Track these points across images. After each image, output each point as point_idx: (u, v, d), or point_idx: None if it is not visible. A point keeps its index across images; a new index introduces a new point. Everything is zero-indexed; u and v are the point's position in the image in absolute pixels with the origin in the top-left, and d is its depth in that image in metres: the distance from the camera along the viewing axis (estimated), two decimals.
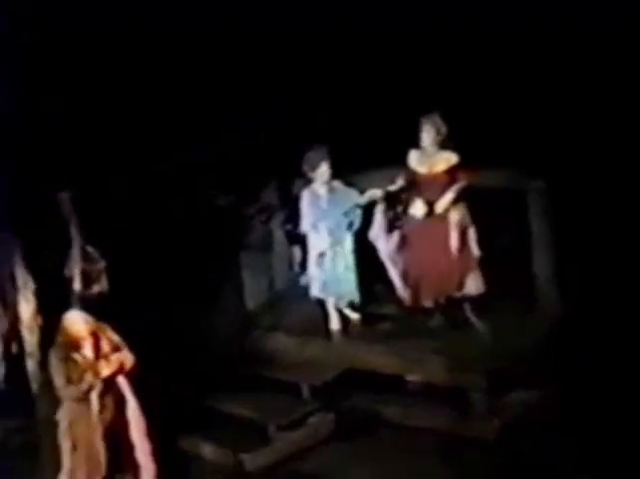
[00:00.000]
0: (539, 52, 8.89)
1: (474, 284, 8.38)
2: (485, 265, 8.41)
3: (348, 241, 8.76)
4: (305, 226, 8.74)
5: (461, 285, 8.41)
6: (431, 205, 8.46)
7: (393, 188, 8.51)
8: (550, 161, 8.37)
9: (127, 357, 7.01)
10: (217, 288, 9.15)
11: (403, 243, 8.60)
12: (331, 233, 8.66)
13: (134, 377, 7.06)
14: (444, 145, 8.43)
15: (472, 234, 8.44)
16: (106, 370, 6.92)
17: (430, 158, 8.47)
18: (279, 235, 9.65)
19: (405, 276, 8.54)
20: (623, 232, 8.35)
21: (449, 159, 8.43)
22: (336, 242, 8.69)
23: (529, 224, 8.52)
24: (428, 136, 8.41)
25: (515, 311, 8.59)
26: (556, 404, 7.74)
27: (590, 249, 8.40)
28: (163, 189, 8.73)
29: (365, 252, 8.75)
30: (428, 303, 8.54)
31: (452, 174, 8.42)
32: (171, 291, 8.63)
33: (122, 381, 7.07)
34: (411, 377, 8.34)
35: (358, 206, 8.68)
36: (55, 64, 8.11)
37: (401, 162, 8.59)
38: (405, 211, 8.61)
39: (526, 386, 7.99)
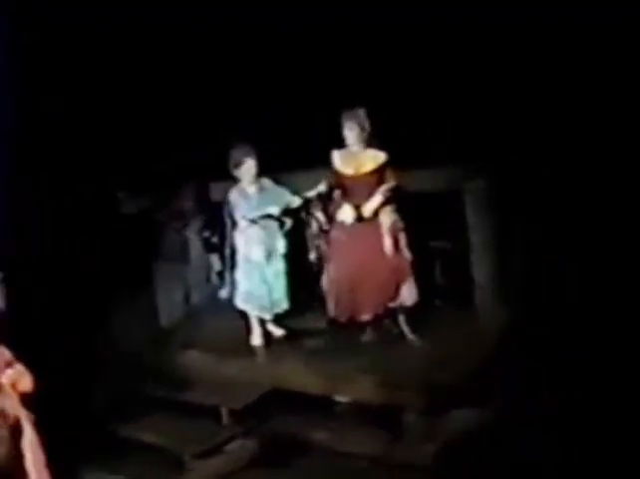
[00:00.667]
0: (465, 39, 8.61)
1: (408, 294, 8.06)
2: (422, 273, 8.25)
3: (280, 245, 8.46)
4: (239, 225, 8.42)
5: (396, 295, 8.05)
6: (360, 209, 8.11)
7: (312, 194, 8.15)
8: (487, 157, 8.11)
9: (22, 376, 6.45)
10: (127, 302, 8.84)
11: (333, 253, 8.21)
12: (260, 234, 8.38)
13: (31, 402, 6.52)
14: (369, 143, 8.06)
15: (403, 238, 8.09)
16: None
17: (355, 157, 8.09)
18: (196, 243, 9.39)
19: (338, 290, 8.13)
20: (568, 230, 8.06)
21: (376, 157, 8.05)
22: (265, 245, 8.40)
23: (466, 225, 8.31)
24: (351, 133, 8.00)
25: (454, 321, 8.35)
26: (501, 423, 7.36)
27: (533, 250, 8.16)
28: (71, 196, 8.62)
29: (293, 259, 8.49)
30: (366, 318, 8.16)
31: (380, 174, 8.06)
32: (75, 306, 8.33)
33: (17, 408, 6.46)
34: (340, 398, 7.97)
35: (286, 208, 8.39)
36: (55, 64, 8.35)
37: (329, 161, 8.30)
38: (332, 217, 8.25)
39: (468, 404, 7.60)
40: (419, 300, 8.13)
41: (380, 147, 8.04)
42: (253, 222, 8.31)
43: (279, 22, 8.95)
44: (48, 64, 8.29)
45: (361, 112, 7.97)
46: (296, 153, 8.36)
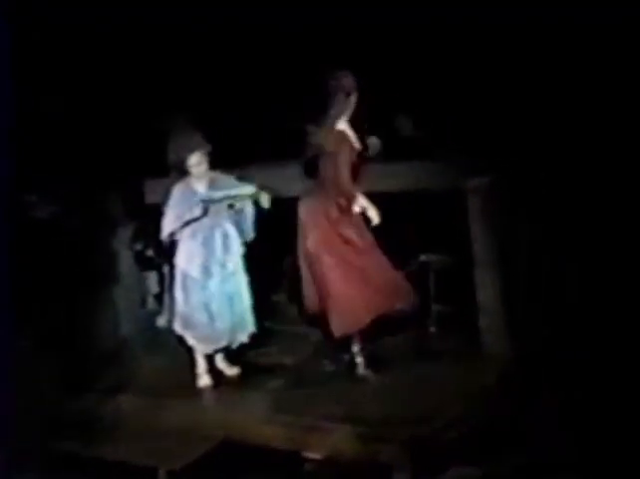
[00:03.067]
0: (471, 33, 8.35)
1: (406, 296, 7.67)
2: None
3: (234, 254, 7.73)
4: (167, 228, 7.68)
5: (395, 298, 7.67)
6: None
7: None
8: (495, 150, 7.77)
9: None
10: (39, 331, 8.28)
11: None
12: (206, 241, 7.66)
13: None
14: None
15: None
16: None
17: None
18: (126, 258, 8.85)
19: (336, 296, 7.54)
20: (590, 242, 7.65)
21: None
22: (209, 258, 7.68)
23: (469, 234, 7.89)
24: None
25: (452, 354, 7.95)
26: None
27: (551, 267, 7.74)
28: None
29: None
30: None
31: None
32: None
33: None
34: (310, 454, 7.27)
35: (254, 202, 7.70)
36: (55, 64, 8.65)
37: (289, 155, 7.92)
38: None
39: (471, 460, 6.90)
40: (407, 328, 7.88)
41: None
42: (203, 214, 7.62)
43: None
44: (48, 64, 8.55)
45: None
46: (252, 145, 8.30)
